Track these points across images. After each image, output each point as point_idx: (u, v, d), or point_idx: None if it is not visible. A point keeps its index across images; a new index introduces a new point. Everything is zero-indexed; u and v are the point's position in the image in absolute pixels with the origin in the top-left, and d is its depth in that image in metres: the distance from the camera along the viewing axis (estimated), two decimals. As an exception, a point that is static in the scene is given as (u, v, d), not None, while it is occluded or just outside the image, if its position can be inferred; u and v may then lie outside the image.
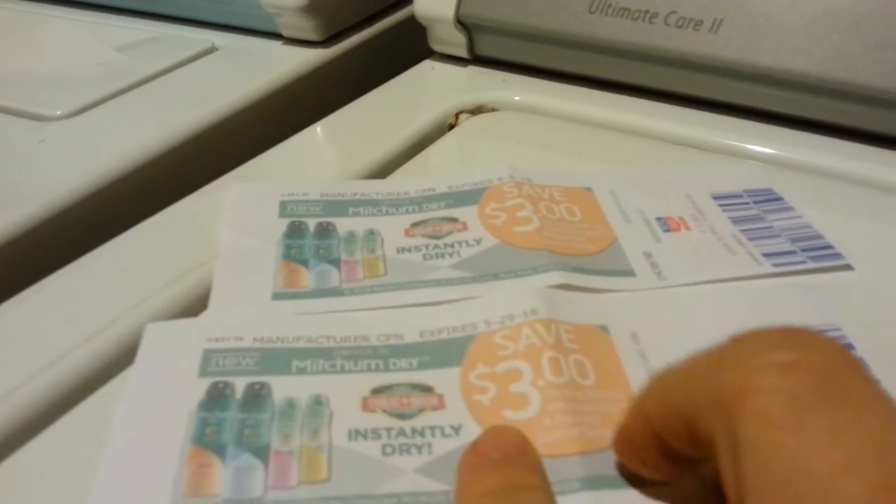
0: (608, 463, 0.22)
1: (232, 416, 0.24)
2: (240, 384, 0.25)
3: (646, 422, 0.19)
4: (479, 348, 0.26)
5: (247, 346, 0.26)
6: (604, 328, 0.27)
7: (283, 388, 0.25)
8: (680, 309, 0.28)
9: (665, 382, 0.18)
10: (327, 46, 0.51)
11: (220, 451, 0.23)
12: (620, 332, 0.27)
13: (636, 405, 0.20)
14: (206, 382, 0.25)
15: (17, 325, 0.29)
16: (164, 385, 0.25)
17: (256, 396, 0.24)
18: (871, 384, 0.14)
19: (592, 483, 0.21)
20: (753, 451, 0.14)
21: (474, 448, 0.22)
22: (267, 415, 0.24)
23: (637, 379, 0.25)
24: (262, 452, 0.23)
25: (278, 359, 0.26)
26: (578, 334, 0.26)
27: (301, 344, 0.26)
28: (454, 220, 0.33)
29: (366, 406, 0.24)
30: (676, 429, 0.17)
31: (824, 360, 0.14)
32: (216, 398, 0.24)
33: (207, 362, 0.26)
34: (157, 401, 0.24)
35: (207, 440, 0.23)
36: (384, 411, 0.24)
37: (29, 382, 0.26)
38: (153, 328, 0.27)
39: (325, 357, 0.26)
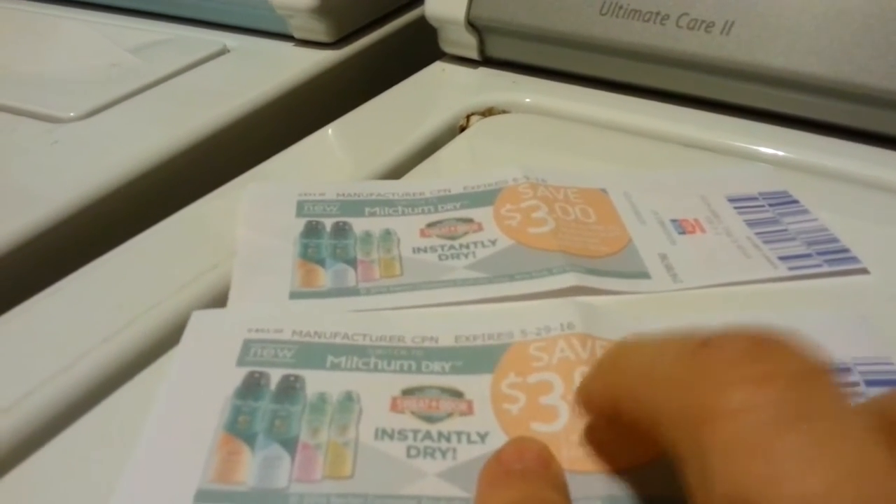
0: (632, 483, 0.22)
1: (265, 406, 0.24)
2: (275, 375, 0.25)
3: (606, 396, 0.19)
4: (513, 357, 0.26)
5: (285, 339, 0.27)
6: None
7: (316, 382, 0.25)
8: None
9: (633, 366, 0.18)
10: (338, 48, 0.51)
11: (250, 439, 0.23)
12: None
13: (600, 372, 0.19)
14: (243, 371, 0.25)
15: (33, 327, 0.29)
16: (204, 371, 0.26)
17: (290, 388, 0.25)
18: (841, 398, 0.14)
19: (614, 502, 0.21)
20: (725, 479, 0.13)
21: (497, 457, 0.22)
22: (298, 407, 0.24)
23: None
24: (290, 444, 0.23)
25: (314, 353, 0.26)
26: None
27: (338, 340, 0.27)
28: (469, 220, 0.33)
29: (395, 406, 0.24)
30: (635, 419, 0.17)
31: (795, 372, 0.14)
32: (251, 387, 0.25)
33: (247, 352, 0.26)
34: (197, 386, 0.25)
35: (239, 428, 0.23)
36: (412, 413, 0.24)
37: (46, 385, 0.26)
38: (198, 315, 0.28)
39: (359, 354, 0.26)
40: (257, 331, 0.27)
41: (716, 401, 0.14)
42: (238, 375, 0.25)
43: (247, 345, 0.26)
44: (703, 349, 0.15)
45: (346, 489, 0.22)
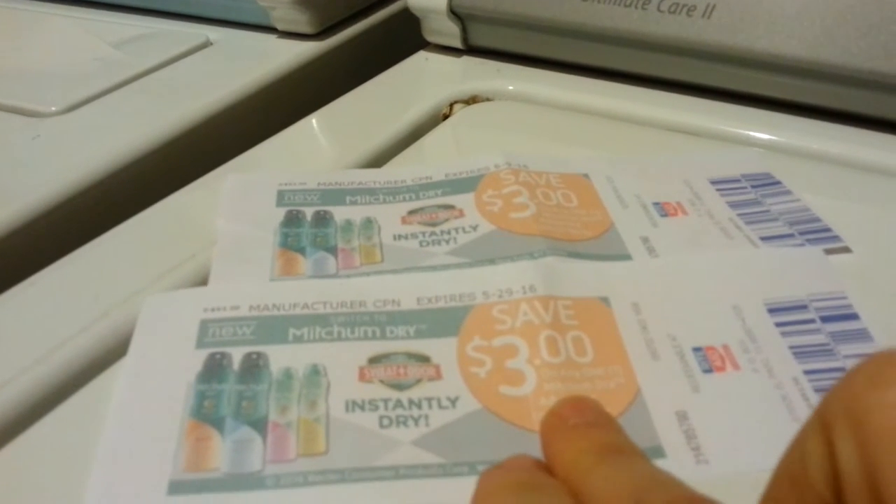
0: None
1: (230, 387, 0.24)
2: (237, 354, 0.25)
3: None
4: (477, 320, 0.26)
5: (243, 315, 0.26)
6: (605, 299, 0.27)
7: (280, 357, 0.25)
8: (682, 277, 0.28)
9: None
10: (321, 39, 0.51)
11: (218, 423, 0.23)
12: (621, 303, 0.27)
13: None
14: (203, 354, 0.25)
15: (10, 318, 0.29)
16: (163, 357, 0.25)
17: (254, 367, 0.24)
18: None
19: None
20: None
21: (557, 413, 0.21)
22: (264, 386, 0.24)
23: (636, 350, 0.25)
24: (260, 425, 0.23)
25: (275, 327, 0.26)
26: (578, 309, 0.26)
27: (297, 311, 0.26)
28: (451, 207, 0.33)
29: (363, 376, 0.24)
30: None
31: None
32: (214, 370, 0.24)
33: (205, 332, 0.26)
34: (156, 373, 0.25)
35: (206, 413, 0.23)
36: (381, 381, 0.24)
37: (23, 375, 0.26)
38: (152, 300, 0.27)
39: (321, 324, 0.26)
40: (213, 310, 0.26)
41: None
42: (198, 358, 0.25)
43: (204, 325, 0.26)
44: None
45: (322, 465, 0.22)
